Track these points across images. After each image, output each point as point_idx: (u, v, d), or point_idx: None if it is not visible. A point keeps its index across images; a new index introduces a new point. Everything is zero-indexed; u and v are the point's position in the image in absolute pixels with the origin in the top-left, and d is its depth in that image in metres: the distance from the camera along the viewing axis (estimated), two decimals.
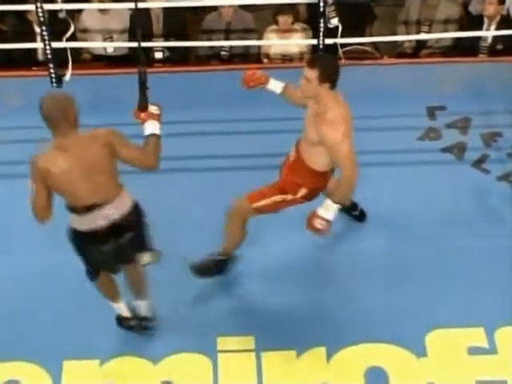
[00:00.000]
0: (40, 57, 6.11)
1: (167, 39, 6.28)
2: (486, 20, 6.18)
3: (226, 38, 6.31)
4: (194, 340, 4.26)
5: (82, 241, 3.84)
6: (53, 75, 5.85)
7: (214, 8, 6.38)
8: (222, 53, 6.36)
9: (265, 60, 6.35)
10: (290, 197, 4.22)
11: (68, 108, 3.61)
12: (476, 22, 6.25)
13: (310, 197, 4.22)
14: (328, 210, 4.00)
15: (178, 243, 4.64)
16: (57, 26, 5.91)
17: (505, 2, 6.18)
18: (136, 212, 3.87)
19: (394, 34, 6.38)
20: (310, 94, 3.98)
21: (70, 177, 3.62)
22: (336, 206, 4.01)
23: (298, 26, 6.28)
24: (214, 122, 5.52)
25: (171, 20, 6.27)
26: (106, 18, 6.32)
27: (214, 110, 5.56)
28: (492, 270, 4.58)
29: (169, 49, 6.29)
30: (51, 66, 5.84)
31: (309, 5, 6.36)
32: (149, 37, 6.16)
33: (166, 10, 6.21)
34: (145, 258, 3.96)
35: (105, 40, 6.34)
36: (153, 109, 3.80)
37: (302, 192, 4.21)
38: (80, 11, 6.37)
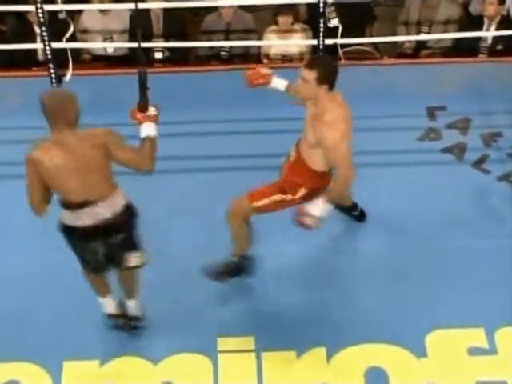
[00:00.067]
0: (40, 57, 6.11)
1: (167, 40, 6.29)
2: (486, 20, 6.18)
3: (226, 39, 6.31)
4: (194, 340, 4.26)
5: (71, 236, 3.85)
6: (53, 75, 5.86)
7: (214, 8, 6.39)
8: (222, 53, 6.36)
9: (265, 60, 6.35)
10: (289, 197, 4.22)
11: (68, 104, 3.62)
12: (476, 22, 6.25)
13: (309, 197, 4.21)
14: (318, 207, 4.00)
15: (178, 243, 4.65)
16: (57, 26, 5.93)
17: (505, 2, 6.18)
18: (128, 212, 3.86)
19: (394, 34, 6.38)
20: (307, 95, 3.97)
21: (63, 172, 3.63)
22: (328, 205, 4.01)
23: (297, 26, 6.28)
24: (214, 122, 5.52)
25: (171, 20, 6.27)
26: (106, 18, 6.33)
27: (213, 110, 5.56)
28: (492, 271, 4.58)
29: (169, 49, 6.29)
30: (51, 66, 5.84)
31: (309, 5, 6.36)
32: (149, 37, 6.17)
33: (166, 10, 6.21)
34: (133, 259, 3.97)
35: (105, 40, 6.35)
36: (150, 110, 3.78)
37: (302, 192, 4.21)
38: (80, 12, 6.38)
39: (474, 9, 6.51)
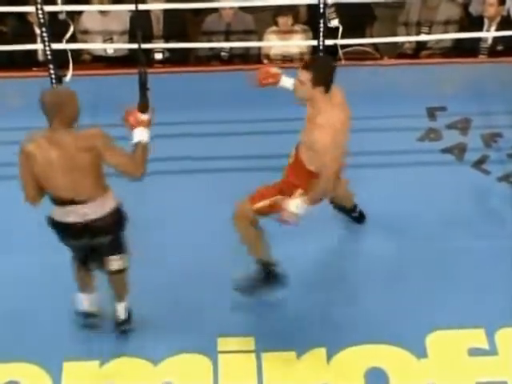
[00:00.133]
0: (40, 58, 6.11)
1: (167, 40, 6.29)
2: (486, 21, 6.18)
3: (226, 40, 6.31)
4: (194, 340, 4.26)
5: (57, 230, 3.87)
6: (53, 76, 5.86)
7: (215, 9, 6.38)
8: (222, 54, 6.36)
9: (265, 61, 6.35)
10: (287, 198, 4.21)
11: (66, 103, 3.62)
12: (476, 23, 6.25)
13: None
14: (296, 203, 3.99)
15: (178, 243, 4.65)
16: (57, 27, 5.92)
17: (505, 2, 6.18)
18: (116, 215, 3.86)
19: (395, 35, 6.39)
20: (303, 96, 3.96)
21: (52, 169, 3.65)
22: (306, 204, 3.99)
23: (298, 27, 6.28)
24: (214, 122, 5.52)
25: (171, 21, 6.27)
26: (106, 19, 6.33)
27: (213, 111, 5.56)
28: (492, 271, 4.58)
29: (169, 50, 6.29)
30: (51, 66, 5.84)
31: (309, 6, 6.36)
32: (149, 38, 6.17)
33: (166, 11, 6.21)
34: (115, 262, 3.98)
35: (105, 41, 6.35)
36: (143, 115, 3.74)
37: (299, 193, 4.19)
38: (80, 13, 6.38)
39: (474, 9, 6.51)
